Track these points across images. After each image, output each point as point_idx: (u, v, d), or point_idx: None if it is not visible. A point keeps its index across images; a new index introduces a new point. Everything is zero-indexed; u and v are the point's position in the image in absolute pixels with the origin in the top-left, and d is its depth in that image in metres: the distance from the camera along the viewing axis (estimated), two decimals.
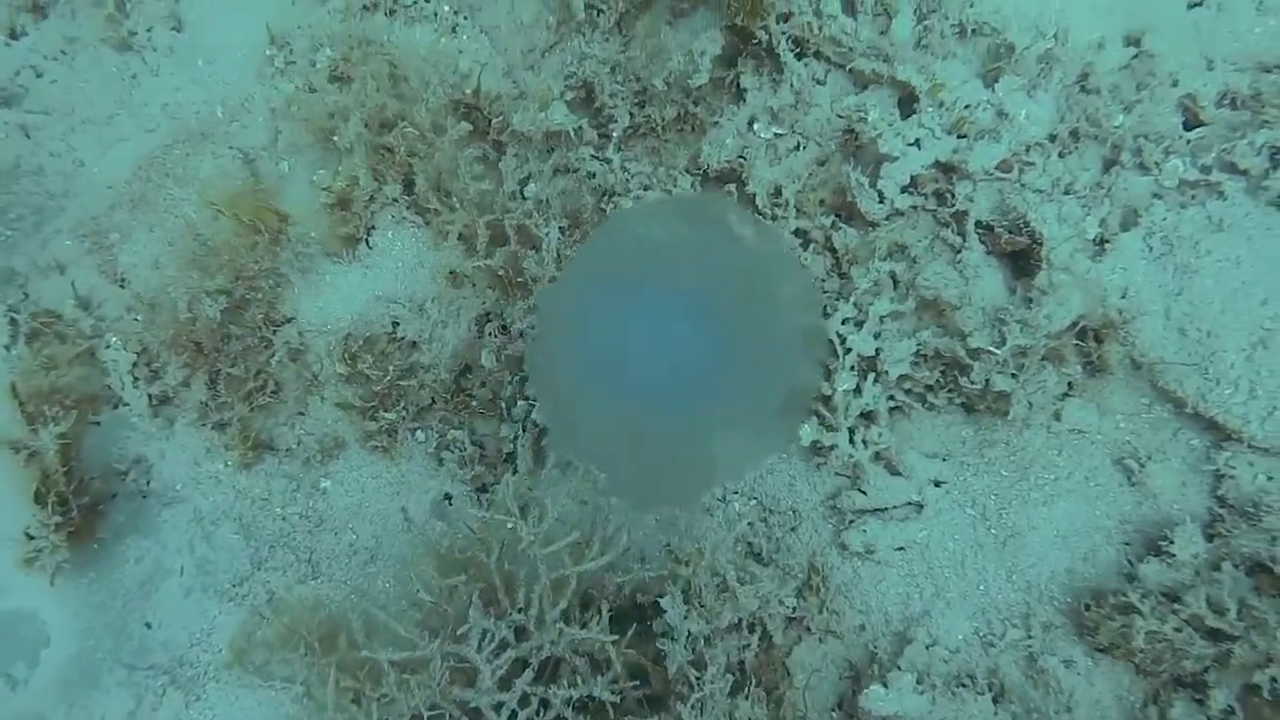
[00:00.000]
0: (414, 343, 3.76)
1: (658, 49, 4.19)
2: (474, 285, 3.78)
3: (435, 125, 3.80)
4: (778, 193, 3.64)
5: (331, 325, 3.72)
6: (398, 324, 3.74)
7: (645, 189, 3.91)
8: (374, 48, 3.95)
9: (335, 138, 3.85)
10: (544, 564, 2.83)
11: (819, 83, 3.83)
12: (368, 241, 3.88)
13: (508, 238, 3.66)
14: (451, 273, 3.84)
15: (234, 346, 3.58)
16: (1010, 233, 3.36)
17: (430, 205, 3.74)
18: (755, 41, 3.67)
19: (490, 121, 3.99)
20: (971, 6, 3.67)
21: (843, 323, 3.25)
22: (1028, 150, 3.45)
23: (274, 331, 3.68)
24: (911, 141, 3.43)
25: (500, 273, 3.65)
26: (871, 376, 3.23)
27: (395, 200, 3.85)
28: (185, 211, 3.75)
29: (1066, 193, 3.39)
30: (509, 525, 2.88)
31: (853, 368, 3.21)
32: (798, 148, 3.70)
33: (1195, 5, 3.51)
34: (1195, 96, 3.41)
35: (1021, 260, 3.43)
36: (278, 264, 3.65)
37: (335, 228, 3.82)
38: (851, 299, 3.27)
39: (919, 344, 3.21)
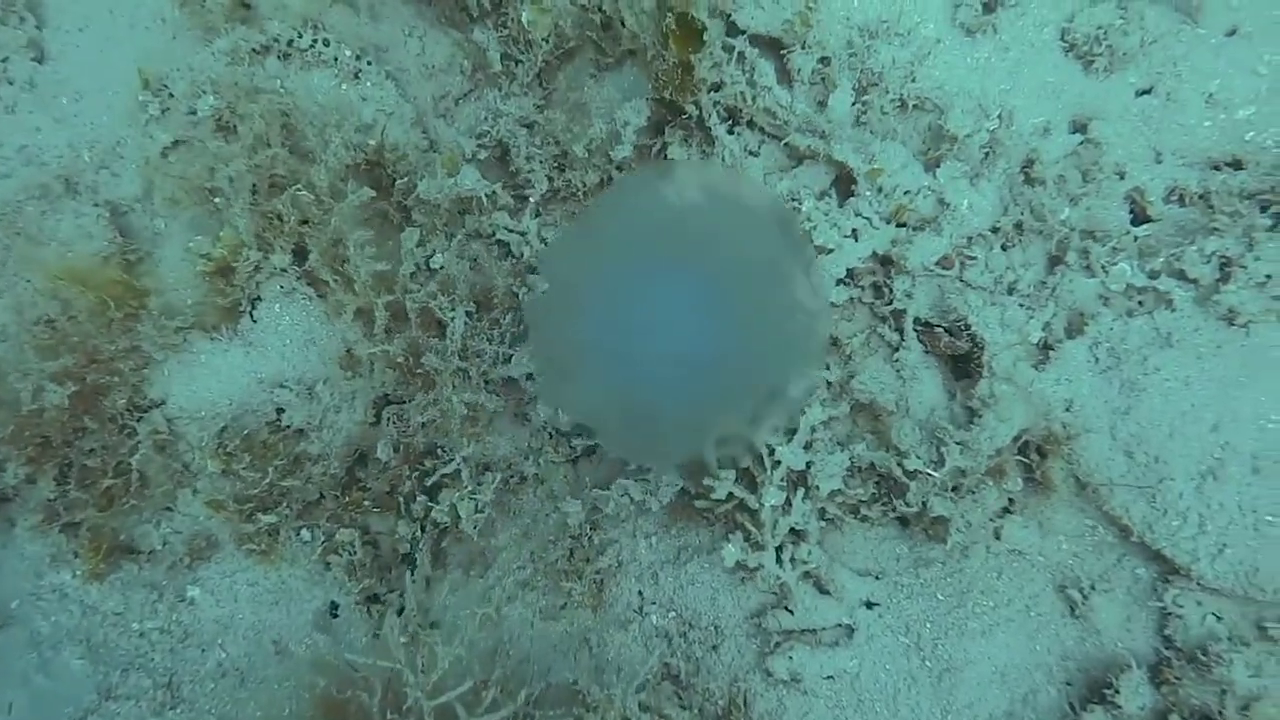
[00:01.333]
0: (301, 430, 3.37)
1: (580, 104, 3.89)
2: (372, 367, 3.41)
3: (333, 188, 3.42)
4: None
5: (207, 411, 3.31)
6: (283, 411, 3.35)
7: None
8: (265, 96, 3.54)
9: (217, 199, 3.44)
10: (432, 717, 2.49)
11: (752, 154, 3.57)
12: (251, 314, 3.47)
13: (408, 320, 3.31)
14: (348, 350, 3.46)
15: (89, 440, 3.15)
16: (950, 335, 3.15)
17: (324, 279, 3.36)
18: (684, 115, 3.39)
19: (395, 182, 3.62)
20: (913, 81, 3.45)
21: (771, 432, 2.98)
22: (969, 243, 3.24)
23: (138, 419, 3.26)
24: (848, 233, 3.18)
25: (400, 360, 3.29)
26: (801, 492, 2.97)
27: (284, 270, 3.45)
28: (34, 279, 3.29)
29: (1010, 291, 3.19)
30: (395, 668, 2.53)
31: (781, 482, 2.95)
32: None
33: (1143, 93, 3.34)
34: (1143, 191, 3.24)
35: (962, 361, 3.21)
36: (138, 343, 3.22)
37: (214, 299, 3.41)
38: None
39: (852, 457, 2.97)
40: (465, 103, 3.98)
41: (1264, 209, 2.97)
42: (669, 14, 3.21)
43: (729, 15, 3.59)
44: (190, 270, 3.46)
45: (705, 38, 3.22)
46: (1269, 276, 2.85)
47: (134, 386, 3.26)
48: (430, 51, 3.93)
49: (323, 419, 3.38)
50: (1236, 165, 3.16)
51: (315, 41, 3.65)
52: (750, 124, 3.54)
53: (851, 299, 3.30)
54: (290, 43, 3.68)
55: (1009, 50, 3.44)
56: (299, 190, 3.38)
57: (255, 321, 3.47)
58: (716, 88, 3.43)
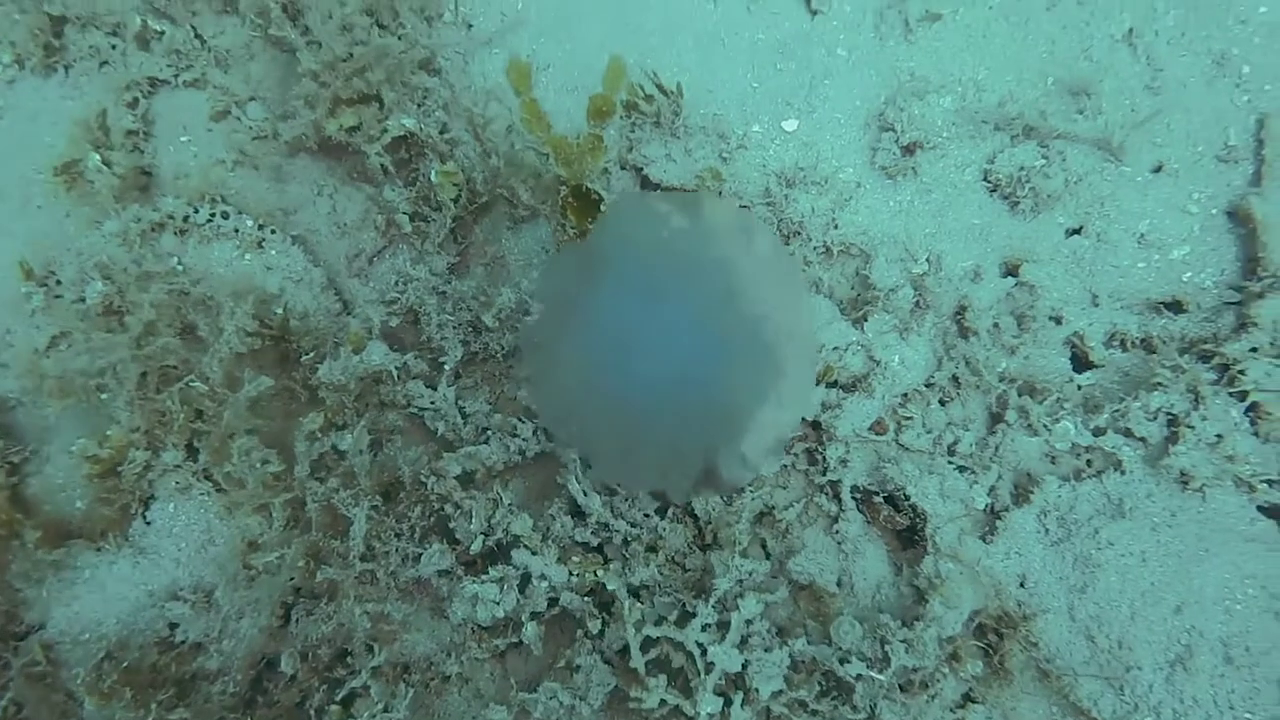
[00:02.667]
0: (199, 644, 3.09)
1: (498, 256, 3.73)
2: (277, 567, 3.14)
3: (229, 378, 3.21)
4: None
5: (91, 633, 3.02)
6: (176, 626, 3.06)
7: (483, 433, 3.37)
8: (158, 278, 3.35)
9: (104, 395, 3.21)
10: None
11: None
12: (144, 516, 3.21)
13: (309, 520, 3.06)
14: (249, 544, 3.20)
15: None
16: (891, 506, 2.93)
17: (217, 478, 3.12)
18: None
19: (300, 358, 3.42)
20: (836, 228, 3.31)
21: (703, 629, 2.73)
22: (904, 401, 3.06)
23: (13, 649, 2.97)
24: None
25: (300, 563, 3.04)
26: (740, 696, 2.70)
27: (178, 466, 3.20)
28: None
29: (950, 453, 2.98)
30: None
31: (718, 687, 2.68)
32: None
33: (1074, 233, 3.21)
34: (1083, 336, 3.08)
35: (908, 530, 2.99)
36: (9, 578, 2.96)
37: (101, 506, 3.15)
38: (712, 599, 2.75)
39: (792, 654, 2.71)
40: (380, 259, 3.81)
41: (1206, 360, 2.80)
42: (563, 186, 3.07)
43: (641, 169, 3.48)
44: (78, 471, 3.22)
45: (603, 207, 3.07)
46: (1220, 437, 2.67)
47: (5, 614, 2.98)
48: (342, 208, 3.77)
49: (222, 628, 3.09)
50: (1177, 307, 3.01)
51: (214, 215, 3.48)
52: None
53: (785, 465, 3.09)
54: (186, 218, 3.50)
55: (932, 192, 3.32)
56: (193, 381, 3.17)
57: (148, 524, 3.21)
58: None
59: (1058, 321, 3.10)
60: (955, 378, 3.06)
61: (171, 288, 3.34)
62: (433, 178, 3.50)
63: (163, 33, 3.63)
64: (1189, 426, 2.68)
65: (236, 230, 3.49)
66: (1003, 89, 3.33)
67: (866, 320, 3.11)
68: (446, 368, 3.44)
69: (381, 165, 3.50)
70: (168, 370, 3.23)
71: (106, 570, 3.10)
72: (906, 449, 3.00)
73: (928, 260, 3.25)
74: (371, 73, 3.35)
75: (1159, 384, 2.80)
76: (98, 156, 3.59)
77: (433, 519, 3.13)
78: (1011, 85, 3.33)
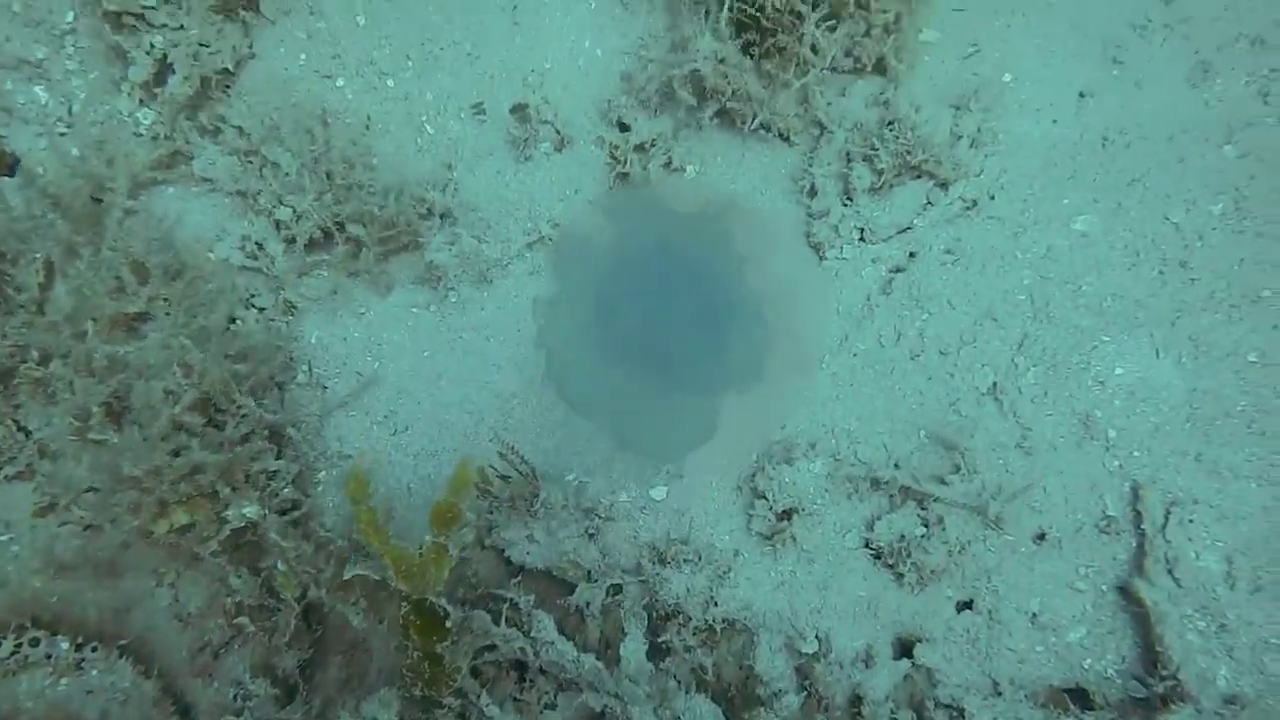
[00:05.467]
0: None
1: (357, 642, 3.39)
2: None
3: None
4: None
5: None
6: None
7: None
8: None
9: None
10: None
11: (549, 709, 3.05)
12: None
13: None
14: None
15: None
16: None
17: None
18: (443, 708, 2.87)
19: None
20: (715, 605, 3.05)
21: None
22: None
23: None
24: None
25: None
26: None
27: None
28: None
29: None
30: None
31: None
32: None
33: (964, 607, 2.98)
34: None
35: None
36: None
37: None
38: None
39: None
40: (228, 653, 3.43)
41: None
42: (404, 603, 2.78)
43: (504, 551, 3.23)
44: None
45: (449, 624, 2.77)
46: None
47: None
48: (186, 596, 3.43)
49: None
50: (1084, 701, 2.75)
51: (20, 644, 3.10)
52: (542, 672, 3.07)
53: None
54: None
55: (814, 562, 3.10)
56: None
57: None
58: (488, 649, 2.97)
59: (960, 714, 2.81)
60: None
61: None
62: (276, 575, 3.21)
63: None
64: None
65: (49, 656, 3.11)
66: (875, 440, 3.18)
67: None
68: None
69: (219, 563, 3.21)
70: None
71: None
72: None
73: (817, 637, 2.99)
74: (203, 474, 3.11)
75: None
76: None
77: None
78: (884, 437, 3.19)
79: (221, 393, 3.23)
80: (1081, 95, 3.43)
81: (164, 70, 3.68)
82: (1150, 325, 3.02)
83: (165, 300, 3.25)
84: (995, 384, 3.11)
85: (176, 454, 3.08)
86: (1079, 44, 3.48)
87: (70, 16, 3.64)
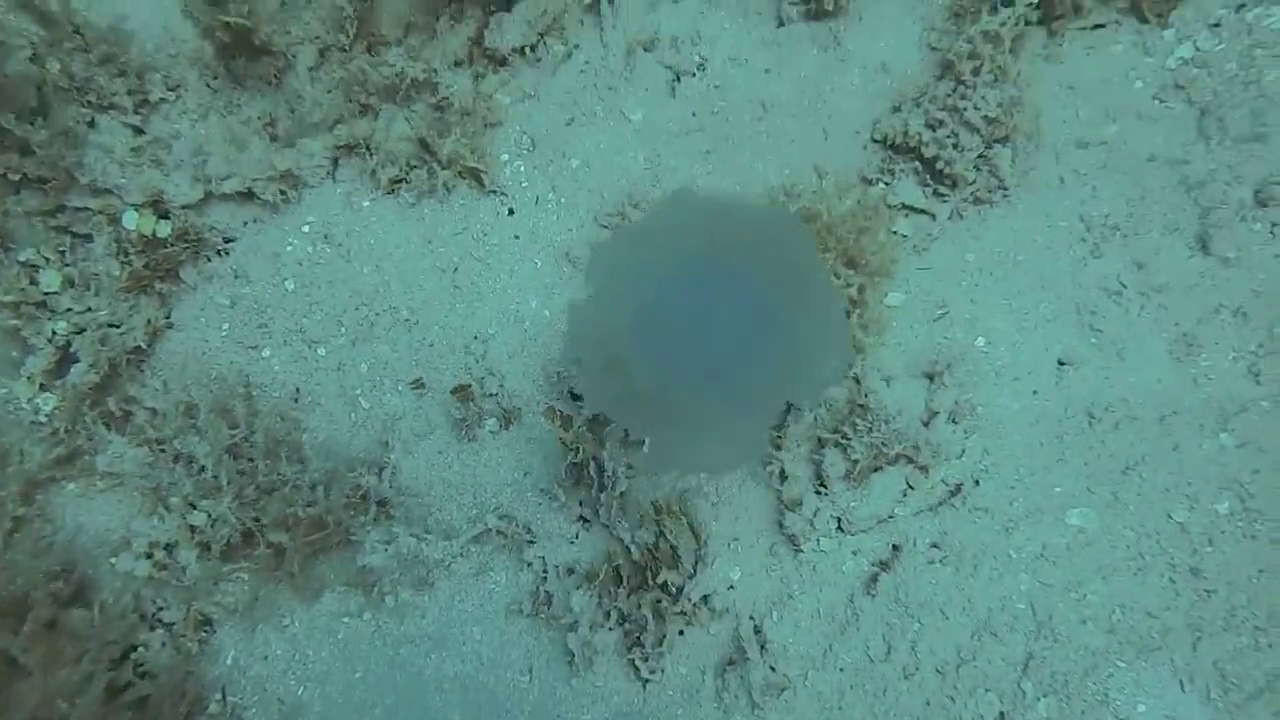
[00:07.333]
0: None
1: None
2: None
3: None
4: None
5: None
6: None
7: None
8: None
9: None
10: None
11: None
12: None
13: None
14: None
15: None
16: None
17: None
18: None
19: None
20: None
21: None
22: None
23: None
24: None
25: None
26: None
27: None
28: None
29: None
30: None
31: None
32: None
33: None
34: None
35: None
36: None
37: None
38: None
39: None
40: None
41: None
42: None
43: None
44: None
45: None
46: None
47: None
48: None
49: None
50: None
51: None
52: None
53: None
54: None
55: None
56: None
57: None
58: None
59: None
60: None
61: None
62: None
63: None
64: None
65: None
66: None
67: None
68: None
69: None
70: None
71: None
72: None
73: None
74: None
75: None
76: None
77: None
78: None
79: None
80: (1061, 364, 3.23)
81: (66, 358, 3.35)
82: (1169, 649, 2.72)
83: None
84: (1002, 714, 2.77)
85: None
86: (1052, 306, 3.29)
87: None
